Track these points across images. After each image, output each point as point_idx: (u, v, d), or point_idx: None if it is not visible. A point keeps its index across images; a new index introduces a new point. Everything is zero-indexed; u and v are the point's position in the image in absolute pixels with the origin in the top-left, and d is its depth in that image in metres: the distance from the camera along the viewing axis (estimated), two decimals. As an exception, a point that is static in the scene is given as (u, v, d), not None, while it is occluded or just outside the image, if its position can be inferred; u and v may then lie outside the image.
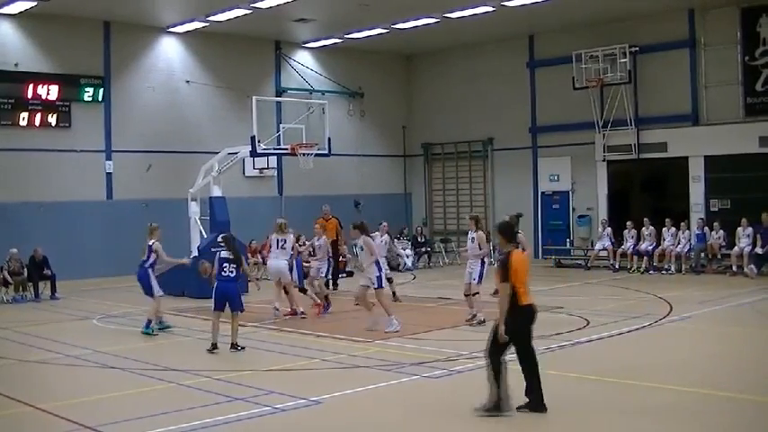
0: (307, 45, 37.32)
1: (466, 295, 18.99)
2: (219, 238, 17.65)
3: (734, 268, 28.08)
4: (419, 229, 36.83)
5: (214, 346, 15.49)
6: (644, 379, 12.75)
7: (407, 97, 41.48)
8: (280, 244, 20.65)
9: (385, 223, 23.83)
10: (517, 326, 10.88)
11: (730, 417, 10.89)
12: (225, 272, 15.90)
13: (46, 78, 30.27)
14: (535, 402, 10.94)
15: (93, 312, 22.10)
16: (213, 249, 19.22)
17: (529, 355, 11.10)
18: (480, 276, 18.83)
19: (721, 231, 29.26)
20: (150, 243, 18.61)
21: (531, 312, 11.14)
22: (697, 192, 31.64)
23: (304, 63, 37.43)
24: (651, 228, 30.74)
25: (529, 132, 36.83)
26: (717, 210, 30.95)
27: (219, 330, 15.71)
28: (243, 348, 15.57)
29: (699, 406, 11.36)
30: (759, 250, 27.98)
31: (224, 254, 16.08)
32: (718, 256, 29.49)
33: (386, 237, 23.00)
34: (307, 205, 33.65)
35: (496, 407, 10.78)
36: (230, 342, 15.62)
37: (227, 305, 15.81)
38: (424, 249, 35.49)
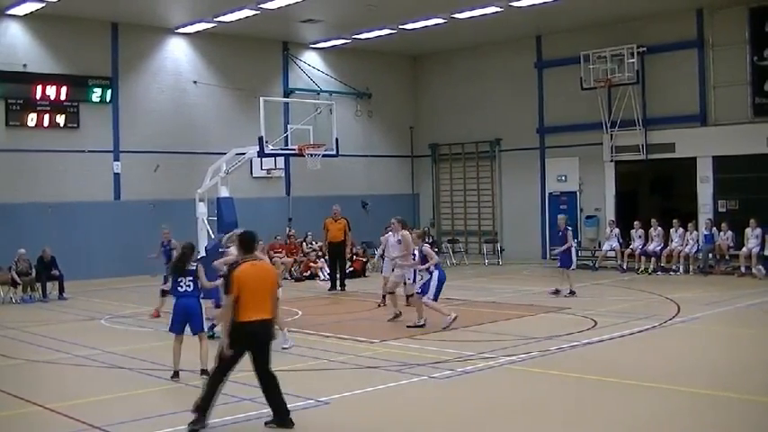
0: (314, 46, 37.34)
1: (390, 293, 19.95)
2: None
3: (742, 269, 28.03)
4: (427, 229, 36.81)
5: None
6: (649, 380, 12.74)
7: (415, 98, 41.48)
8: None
9: (394, 220, 21.30)
10: (231, 340, 10.34)
11: (737, 418, 10.87)
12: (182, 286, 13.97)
13: (54, 79, 30.32)
14: (280, 417, 10.55)
15: (100, 312, 22.14)
16: (220, 250, 19.20)
17: (217, 376, 10.52)
18: (415, 277, 19.24)
19: (729, 232, 29.21)
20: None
21: (249, 330, 10.36)
22: (705, 192, 31.58)
23: (311, 64, 37.45)
24: (659, 228, 30.72)
25: (536, 133, 36.80)
26: (725, 210, 30.89)
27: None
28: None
29: (704, 407, 11.35)
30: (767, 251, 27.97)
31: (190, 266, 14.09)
32: (727, 257, 29.44)
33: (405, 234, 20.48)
34: (314, 206, 33.71)
35: (197, 415, 10.37)
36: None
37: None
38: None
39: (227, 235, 18.60)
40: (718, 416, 10.94)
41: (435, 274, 18.32)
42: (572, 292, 23.54)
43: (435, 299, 18.34)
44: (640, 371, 13.53)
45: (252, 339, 10.42)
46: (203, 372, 13.16)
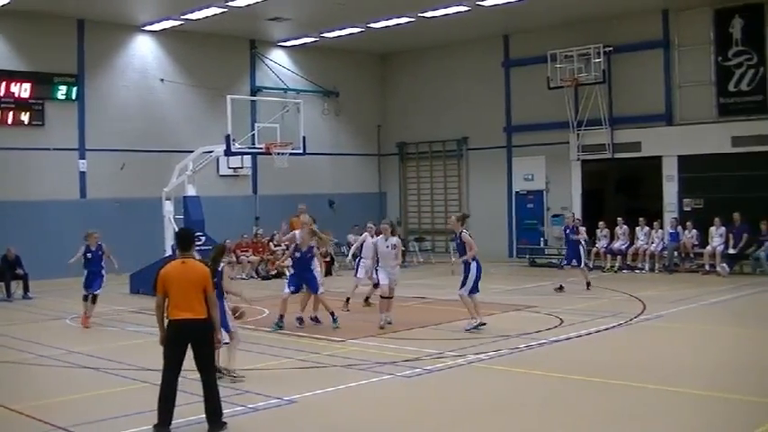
0: (282, 44, 37.26)
1: (388, 297, 18.69)
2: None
3: (706, 267, 28.30)
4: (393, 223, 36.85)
5: None
6: (615, 377, 12.82)
7: (382, 96, 41.48)
8: None
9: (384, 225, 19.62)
10: (162, 339, 10.42)
11: (700, 414, 10.94)
12: None
13: (19, 76, 30.07)
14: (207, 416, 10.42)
15: (66, 312, 22.00)
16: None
17: (164, 375, 10.30)
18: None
19: (694, 231, 29.47)
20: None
21: (176, 328, 10.29)
22: (670, 191, 31.82)
23: (279, 62, 37.37)
24: (625, 227, 30.99)
25: (503, 132, 36.91)
26: (690, 209, 31.15)
27: None
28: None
29: (669, 404, 11.41)
30: (732, 250, 28.20)
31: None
32: (691, 256, 29.70)
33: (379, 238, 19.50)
34: (281, 204, 33.60)
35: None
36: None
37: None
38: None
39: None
40: (680, 412, 11.01)
41: (474, 266, 17.93)
42: (588, 285, 24.43)
43: (470, 294, 17.90)
44: (606, 368, 13.60)
45: (183, 337, 10.25)
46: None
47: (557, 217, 34.86)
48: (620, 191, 35.25)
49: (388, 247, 18.74)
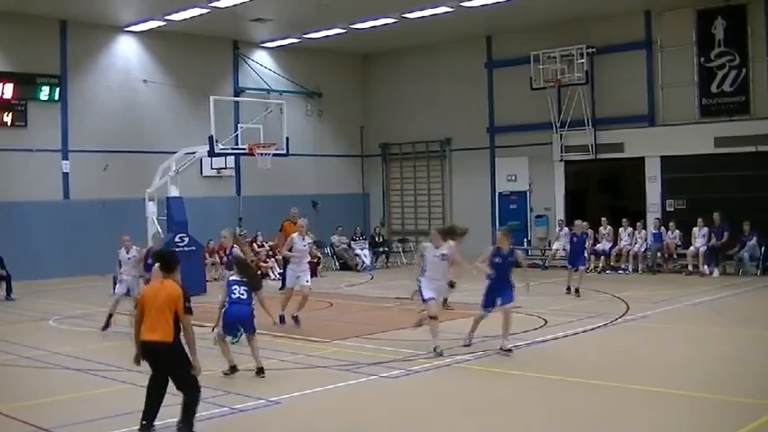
0: (264, 45, 37.22)
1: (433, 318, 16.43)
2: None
3: (690, 268, 28.42)
4: (377, 229, 36.92)
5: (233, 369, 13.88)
6: (598, 378, 12.86)
7: (365, 97, 41.46)
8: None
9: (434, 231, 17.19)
10: (135, 357, 10.32)
11: (682, 414, 10.99)
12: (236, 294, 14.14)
13: (1, 77, 29.95)
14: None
15: (49, 313, 21.91)
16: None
17: (149, 383, 10.29)
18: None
19: (677, 231, 29.58)
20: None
21: (142, 349, 10.13)
22: (653, 192, 31.92)
23: (262, 63, 37.33)
24: (608, 227, 31.07)
25: (486, 132, 36.95)
26: (673, 210, 31.24)
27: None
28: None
29: (650, 404, 11.46)
30: (713, 242, 28.29)
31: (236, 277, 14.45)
32: (675, 256, 29.82)
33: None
34: (264, 206, 33.61)
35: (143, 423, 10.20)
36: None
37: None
38: (381, 249, 35.70)
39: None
40: (663, 412, 11.05)
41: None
42: (577, 291, 23.89)
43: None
44: (589, 368, 13.65)
45: (148, 359, 10.16)
46: (259, 370, 13.67)
47: (540, 218, 34.98)
48: (603, 191, 35.35)
49: (437, 256, 15.96)
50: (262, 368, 13.63)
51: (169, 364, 10.08)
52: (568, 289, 24.10)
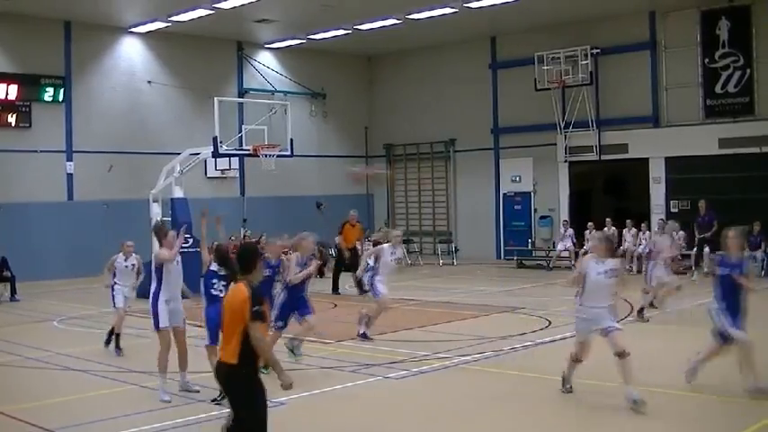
0: (269, 46, 37.23)
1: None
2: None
3: (693, 268, 28.35)
4: (381, 230, 36.89)
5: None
6: (604, 379, 12.82)
7: (370, 98, 41.46)
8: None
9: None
10: None
11: (686, 415, 10.98)
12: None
13: (5, 78, 30.00)
14: None
15: (53, 314, 21.93)
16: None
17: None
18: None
19: (681, 232, 29.44)
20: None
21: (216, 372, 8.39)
22: (657, 193, 31.92)
23: (266, 64, 37.35)
24: (612, 229, 30.97)
25: (491, 133, 36.96)
26: (677, 211, 31.20)
27: None
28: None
29: (658, 404, 11.44)
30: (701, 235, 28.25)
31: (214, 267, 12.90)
32: (679, 257, 29.71)
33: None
34: (269, 207, 33.60)
35: None
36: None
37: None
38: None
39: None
40: (668, 412, 11.04)
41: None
42: None
43: None
44: (594, 370, 13.61)
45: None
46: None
47: (544, 218, 34.95)
48: (607, 192, 35.31)
49: (600, 273, 11.95)
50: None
51: (226, 390, 8.35)
52: None
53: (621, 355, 11.66)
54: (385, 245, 17.58)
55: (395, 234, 18.07)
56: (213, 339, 12.06)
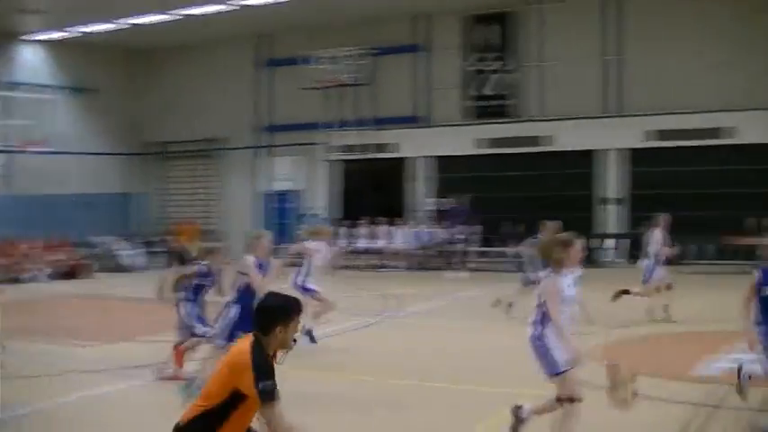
0: (35, 38, 35.99)
1: None
2: None
3: (456, 265, 29.26)
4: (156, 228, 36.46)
5: None
6: (355, 372, 13.14)
7: (139, 95, 40.48)
8: None
9: None
10: None
11: (438, 406, 11.36)
12: None
13: None
14: None
15: None
16: None
17: None
18: None
19: (447, 230, 30.45)
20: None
21: None
22: (423, 191, 32.95)
23: (34, 57, 36.22)
24: (380, 227, 31.69)
25: (260, 132, 37.13)
26: (442, 209, 32.12)
27: None
28: None
29: (412, 397, 11.82)
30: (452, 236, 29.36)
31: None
32: (443, 254, 30.68)
33: None
34: (35, 205, 32.62)
35: None
36: None
37: None
38: (155, 249, 35.10)
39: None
40: (411, 404, 11.40)
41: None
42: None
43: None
44: (348, 364, 13.92)
45: None
46: None
47: (313, 217, 35.23)
48: (375, 191, 35.89)
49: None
50: None
51: None
52: None
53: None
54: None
55: None
56: None
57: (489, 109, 31.97)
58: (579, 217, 30.10)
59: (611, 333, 15.43)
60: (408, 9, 32.63)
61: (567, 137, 30.75)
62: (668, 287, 17.65)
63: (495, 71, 31.95)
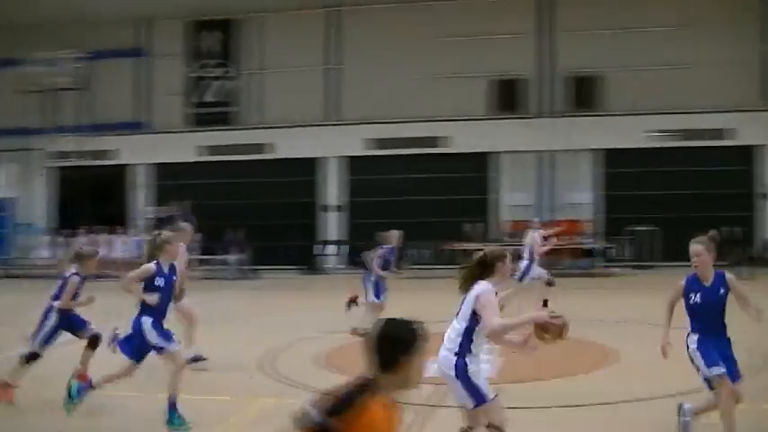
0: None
1: None
2: None
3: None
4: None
5: None
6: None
7: None
8: None
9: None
10: None
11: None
12: None
13: None
14: None
15: None
16: None
17: None
18: None
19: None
20: None
21: None
22: (143, 199, 32.43)
23: None
24: (101, 235, 30.82)
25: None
26: (161, 216, 31.63)
27: None
28: None
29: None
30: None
31: None
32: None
33: None
34: None
35: None
36: None
37: None
38: None
39: None
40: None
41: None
42: None
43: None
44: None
45: None
46: None
47: (26, 227, 33.96)
48: (94, 198, 34.90)
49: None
50: None
51: None
52: None
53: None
54: None
55: None
56: None
57: (211, 116, 31.91)
58: (303, 224, 30.68)
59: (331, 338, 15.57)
60: (130, 13, 31.94)
61: (289, 144, 31.07)
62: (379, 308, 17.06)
63: (217, 78, 31.89)
